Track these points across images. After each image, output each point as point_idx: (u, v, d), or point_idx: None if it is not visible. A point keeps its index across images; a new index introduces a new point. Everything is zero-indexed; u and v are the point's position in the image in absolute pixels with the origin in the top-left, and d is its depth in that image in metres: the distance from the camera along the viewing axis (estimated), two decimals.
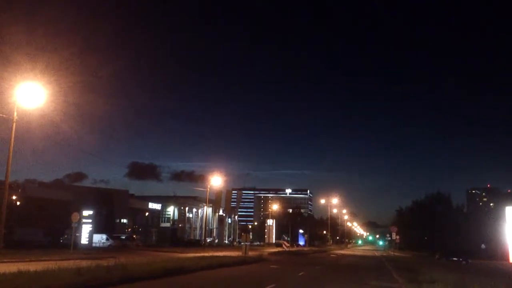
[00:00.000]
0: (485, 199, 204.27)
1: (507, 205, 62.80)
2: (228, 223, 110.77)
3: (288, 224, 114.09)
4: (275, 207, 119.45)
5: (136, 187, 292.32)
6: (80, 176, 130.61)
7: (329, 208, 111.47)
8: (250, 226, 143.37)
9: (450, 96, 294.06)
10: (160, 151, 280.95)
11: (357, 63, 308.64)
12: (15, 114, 27.10)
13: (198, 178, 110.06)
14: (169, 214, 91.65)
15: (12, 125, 26.92)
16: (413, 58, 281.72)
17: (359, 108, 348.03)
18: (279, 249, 71.96)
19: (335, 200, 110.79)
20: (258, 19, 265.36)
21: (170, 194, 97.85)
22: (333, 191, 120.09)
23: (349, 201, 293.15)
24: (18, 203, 52.16)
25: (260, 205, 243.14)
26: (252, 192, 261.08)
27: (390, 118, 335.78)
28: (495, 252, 67.69)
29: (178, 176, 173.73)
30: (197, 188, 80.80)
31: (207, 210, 73.57)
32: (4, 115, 26.84)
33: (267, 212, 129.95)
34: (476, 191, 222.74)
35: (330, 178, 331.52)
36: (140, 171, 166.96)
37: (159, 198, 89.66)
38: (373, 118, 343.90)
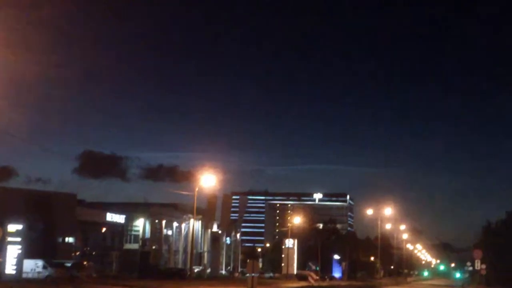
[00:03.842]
0: None
1: None
2: (226, 244, 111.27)
3: (317, 246, 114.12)
4: (297, 220, 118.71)
5: (89, 189, 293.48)
6: (7, 172, 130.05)
7: (379, 222, 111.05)
8: (259, 249, 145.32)
9: None
10: (126, 138, 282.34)
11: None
12: None
13: (182, 176, 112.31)
14: (138, 230, 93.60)
15: None
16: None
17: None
18: (303, 283, 72.22)
19: (388, 211, 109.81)
20: None
21: (139, 201, 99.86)
22: (386, 197, 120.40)
23: (410, 212, 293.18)
24: None
25: (275, 218, 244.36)
26: (263, 198, 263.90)
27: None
28: None
29: (153, 174, 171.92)
30: (180, 191, 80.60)
31: (195, 225, 75.06)
32: None
33: (285, 228, 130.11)
34: None
35: (380, 178, 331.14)
36: (96, 166, 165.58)
37: (123, 207, 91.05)
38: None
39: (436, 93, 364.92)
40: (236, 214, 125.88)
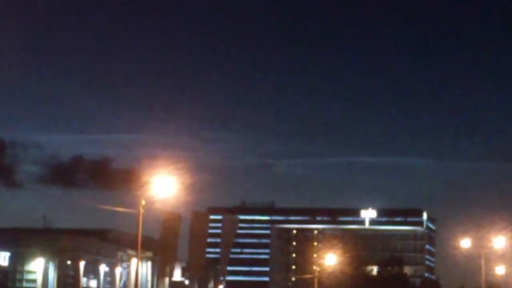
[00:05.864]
0: None
1: None
2: None
3: None
4: (330, 259, 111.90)
5: None
6: None
7: (483, 262, 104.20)
8: None
9: None
10: (16, 110, 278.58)
11: None
12: None
13: (116, 178, 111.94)
14: (34, 280, 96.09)
15: None
16: None
17: None
18: None
19: (501, 242, 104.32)
20: None
21: (38, 226, 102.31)
22: (495, 216, 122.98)
23: None
24: None
25: (288, 255, 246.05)
26: (267, 218, 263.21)
27: None
28: None
29: (64, 175, 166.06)
30: (114, 208, 75.80)
31: (141, 270, 75.62)
32: None
33: (307, 275, 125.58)
34: None
35: (484, 180, 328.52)
36: None
37: (8, 236, 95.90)
38: None
39: None
40: (218, 250, 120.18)
